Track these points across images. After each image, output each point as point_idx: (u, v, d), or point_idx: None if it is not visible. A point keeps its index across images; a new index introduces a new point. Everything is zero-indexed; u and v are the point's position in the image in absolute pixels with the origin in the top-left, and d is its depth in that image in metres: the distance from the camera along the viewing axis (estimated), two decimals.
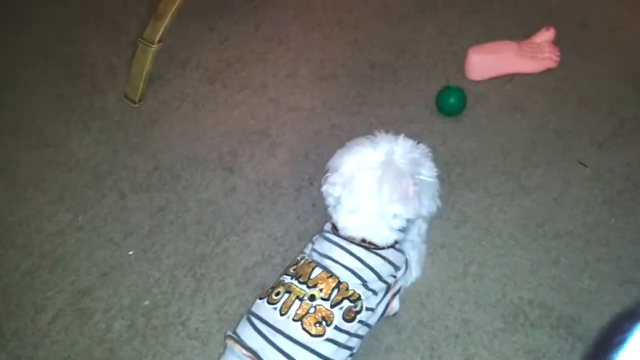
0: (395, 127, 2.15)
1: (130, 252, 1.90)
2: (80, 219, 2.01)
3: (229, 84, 2.52)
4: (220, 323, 1.68)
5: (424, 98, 2.33)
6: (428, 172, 1.56)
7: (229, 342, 1.35)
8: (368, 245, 1.45)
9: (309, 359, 1.29)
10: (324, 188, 1.52)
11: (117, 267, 1.87)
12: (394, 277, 1.49)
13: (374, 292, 1.42)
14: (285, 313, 1.32)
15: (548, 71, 2.40)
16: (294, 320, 1.31)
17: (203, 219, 1.97)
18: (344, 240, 1.46)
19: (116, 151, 2.27)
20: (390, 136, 1.54)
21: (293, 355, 1.28)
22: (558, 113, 2.23)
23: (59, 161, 2.25)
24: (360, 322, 1.38)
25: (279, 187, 2.05)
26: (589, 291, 1.65)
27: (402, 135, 1.55)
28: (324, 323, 1.32)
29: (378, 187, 1.43)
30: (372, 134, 1.55)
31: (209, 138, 2.28)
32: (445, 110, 2.23)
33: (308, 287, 1.36)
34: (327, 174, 1.54)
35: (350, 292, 1.37)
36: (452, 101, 2.19)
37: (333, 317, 1.33)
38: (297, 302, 1.34)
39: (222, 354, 1.41)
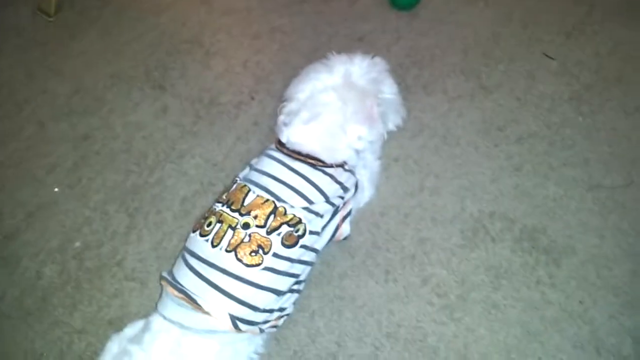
0: (343, 27, 2.06)
1: (56, 189, 1.82)
2: None
3: None
4: (159, 261, 1.64)
5: None
6: (389, 89, 1.57)
7: (163, 284, 1.31)
8: (314, 162, 1.41)
9: (246, 291, 1.26)
10: (281, 118, 1.49)
11: (43, 206, 1.79)
12: (342, 198, 1.44)
13: (318, 215, 1.38)
14: (217, 244, 1.28)
15: None
16: (226, 251, 1.27)
17: (133, 146, 1.88)
18: (287, 157, 1.42)
19: (33, 74, 2.13)
20: (344, 57, 1.52)
21: (227, 289, 1.25)
22: (523, 1, 2.11)
23: None
24: (303, 247, 1.35)
25: (216, 104, 1.95)
26: (554, 199, 1.63)
27: (358, 54, 1.53)
28: (260, 251, 1.28)
29: (342, 103, 1.43)
30: (326, 57, 1.54)
31: (134, 51, 2.14)
32: (399, 4, 2.11)
33: (241, 214, 1.31)
34: (284, 103, 1.52)
35: (289, 217, 1.32)
36: None
37: (270, 245, 1.29)
38: (230, 232, 1.29)
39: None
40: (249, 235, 1.28)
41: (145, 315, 1.40)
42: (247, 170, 1.47)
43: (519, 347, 1.41)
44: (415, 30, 2.07)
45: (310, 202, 1.36)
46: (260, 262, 1.27)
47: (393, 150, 1.77)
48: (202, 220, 1.37)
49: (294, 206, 1.34)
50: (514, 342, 1.41)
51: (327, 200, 1.39)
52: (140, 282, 1.61)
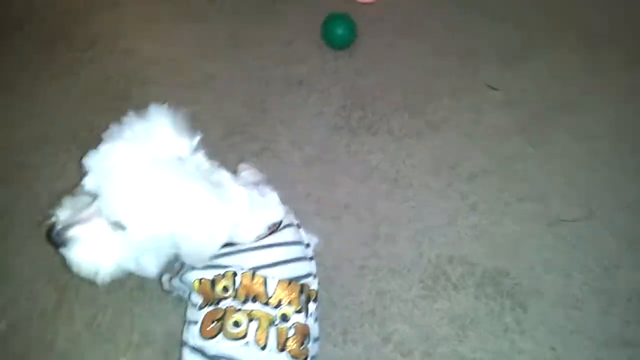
0: (281, 70, 1.96)
1: None
2: None
3: (75, 41, 2.20)
4: (94, 338, 1.47)
5: (310, 31, 2.11)
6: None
7: None
8: (275, 228, 1.21)
9: None
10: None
11: None
12: None
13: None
14: (265, 345, 1.08)
15: None
16: (279, 351, 1.08)
17: None
18: (255, 242, 1.17)
19: None
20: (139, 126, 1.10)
21: None
22: (461, 31, 2.07)
23: None
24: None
25: None
26: (514, 238, 1.54)
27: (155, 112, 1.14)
28: (305, 341, 1.12)
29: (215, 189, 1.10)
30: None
31: (57, 112, 1.99)
32: (334, 43, 2.04)
33: (274, 307, 1.12)
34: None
35: (314, 292, 1.18)
36: (340, 32, 2.00)
37: (309, 330, 1.14)
38: (273, 329, 1.10)
39: None
40: (293, 327, 1.11)
41: None
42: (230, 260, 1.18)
43: None
44: (354, 70, 2.00)
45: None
46: (307, 353, 1.12)
47: (342, 197, 1.66)
48: (217, 323, 1.11)
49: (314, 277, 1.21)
50: None
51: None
52: None
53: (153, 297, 1.47)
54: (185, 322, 1.18)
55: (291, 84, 1.97)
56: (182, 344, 1.15)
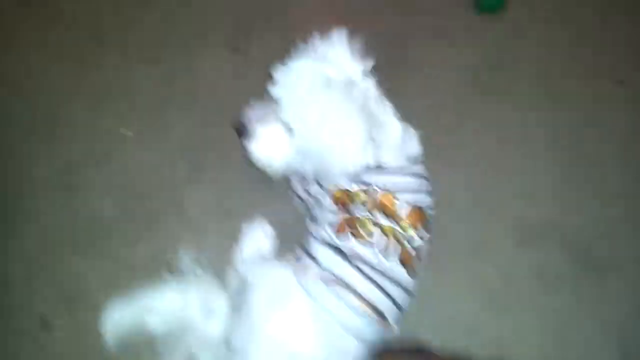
0: (424, 19, 2.06)
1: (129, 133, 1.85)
2: None
3: None
4: (221, 211, 1.68)
5: None
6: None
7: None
8: (413, 160, 1.40)
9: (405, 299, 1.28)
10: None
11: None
12: None
13: None
14: (391, 255, 1.25)
15: None
16: (400, 263, 1.25)
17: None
18: (396, 168, 1.35)
19: None
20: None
21: (399, 299, 1.26)
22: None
23: None
24: None
25: None
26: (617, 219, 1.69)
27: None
28: (420, 261, 1.30)
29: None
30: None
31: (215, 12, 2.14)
32: (483, 6, 2.12)
33: (404, 228, 1.27)
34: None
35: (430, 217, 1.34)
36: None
37: (424, 252, 1.32)
38: (399, 245, 1.26)
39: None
40: (414, 249, 1.28)
41: None
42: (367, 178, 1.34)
43: None
44: (496, 35, 2.08)
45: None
46: (417, 270, 1.29)
47: (466, 147, 1.83)
48: (351, 228, 1.27)
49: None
50: None
51: None
52: (201, 228, 1.65)
53: None
54: (315, 222, 1.36)
55: (436, 35, 2.06)
56: (313, 239, 1.31)
